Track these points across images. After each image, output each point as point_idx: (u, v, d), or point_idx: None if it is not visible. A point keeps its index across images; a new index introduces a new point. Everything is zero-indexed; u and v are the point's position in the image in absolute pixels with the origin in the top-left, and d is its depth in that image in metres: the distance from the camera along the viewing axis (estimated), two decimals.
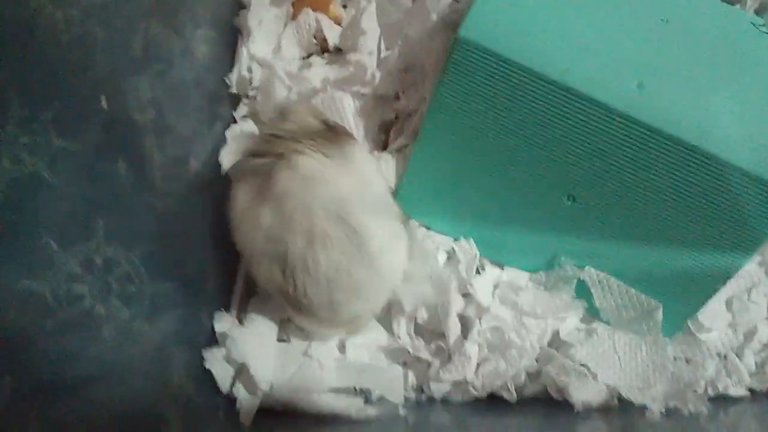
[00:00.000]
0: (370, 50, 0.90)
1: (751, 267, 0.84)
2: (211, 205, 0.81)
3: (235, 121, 0.93)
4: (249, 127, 0.92)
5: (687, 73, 0.71)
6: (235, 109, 0.94)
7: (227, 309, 0.83)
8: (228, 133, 0.90)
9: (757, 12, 0.85)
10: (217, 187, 0.84)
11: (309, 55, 0.98)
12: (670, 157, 0.68)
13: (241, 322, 0.83)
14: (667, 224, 0.73)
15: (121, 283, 0.62)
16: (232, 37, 0.96)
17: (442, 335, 0.80)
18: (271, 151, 0.71)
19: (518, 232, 0.81)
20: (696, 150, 0.67)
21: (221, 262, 0.85)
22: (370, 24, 0.91)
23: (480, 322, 0.79)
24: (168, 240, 0.72)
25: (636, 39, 0.73)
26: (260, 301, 0.85)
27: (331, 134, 0.73)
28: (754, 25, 0.80)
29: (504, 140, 0.74)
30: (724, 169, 0.67)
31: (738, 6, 0.85)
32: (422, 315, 0.81)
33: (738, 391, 0.82)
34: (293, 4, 0.97)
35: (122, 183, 0.64)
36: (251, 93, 0.94)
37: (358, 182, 0.73)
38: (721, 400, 0.81)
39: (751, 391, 0.82)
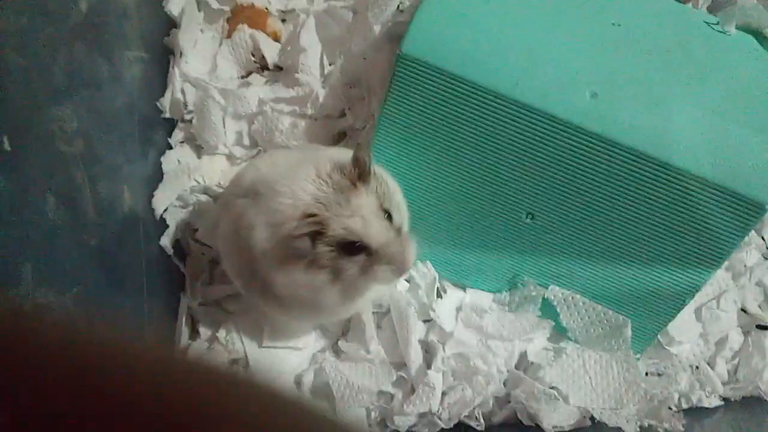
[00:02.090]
0: (312, 67, 0.93)
1: (718, 273, 0.88)
2: (146, 238, 0.81)
3: (170, 147, 0.94)
4: (185, 153, 0.94)
5: (642, 80, 0.74)
6: (170, 135, 0.96)
7: None
8: (163, 160, 0.91)
9: (710, 10, 0.90)
10: (153, 222, 0.85)
11: (248, 74, 1.00)
12: (628, 169, 0.72)
13: None
14: (630, 239, 0.77)
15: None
16: (164, 58, 0.98)
17: (404, 365, 0.82)
18: None
19: (479, 253, 0.85)
20: (654, 160, 0.70)
21: (161, 302, 0.86)
22: (310, 39, 0.94)
23: (444, 349, 0.82)
24: (104, 278, 0.73)
25: (588, 47, 0.77)
26: (203, 345, 0.86)
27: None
28: (708, 24, 0.85)
29: (456, 157, 0.77)
30: (684, 179, 0.70)
31: (690, 5, 0.90)
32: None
33: (712, 401, 0.86)
34: (228, 21, 0.99)
35: (51, 221, 0.64)
36: (186, 116, 0.96)
37: None
38: (695, 412, 0.85)
39: (725, 400, 0.87)
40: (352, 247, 0.62)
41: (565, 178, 0.75)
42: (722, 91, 0.74)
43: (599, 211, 0.76)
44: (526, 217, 0.80)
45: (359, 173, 0.63)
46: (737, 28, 0.84)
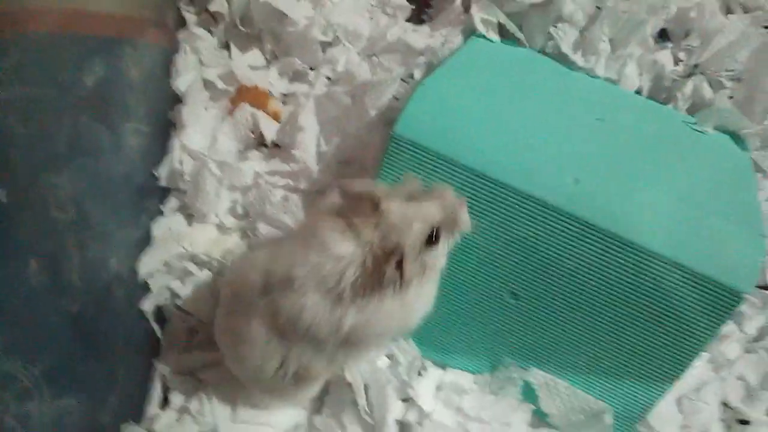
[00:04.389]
0: (308, 145, 0.94)
1: (700, 364, 0.87)
2: (128, 303, 0.80)
3: (161, 214, 0.94)
4: (176, 221, 0.93)
5: (622, 170, 0.76)
6: (162, 203, 0.95)
7: (136, 420, 0.80)
8: (153, 226, 0.91)
9: (689, 111, 0.93)
10: (136, 287, 0.84)
11: (246, 149, 1.01)
12: (602, 251, 0.71)
13: None
14: (608, 323, 0.76)
15: (18, 401, 0.60)
16: (165, 130, 0.98)
17: None
18: None
19: (461, 332, 0.83)
20: (626, 241, 0.70)
21: (136, 369, 0.83)
22: (309, 120, 0.95)
23: (421, 429, 0.78)
24: (80, 345, 0.71)
25: (572, 137, 0.79)
26: (173, 416, 0.82)
27: None
28: (686, 123, 0.88)
29: None
30: (658, 262, 0.70)
31: (671, 106, 0.93)
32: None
33: None
34: (231, 100, 1.01)
35: (32, 287, 0.63)
36: (182, 186, 0.96)
37: None
38: None
39: None
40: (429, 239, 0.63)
41: (547, 259, 0.74)
42: (697, 183, 0.76)
43: (578, 294, 0.75)
44: (510, 297, 0.78)
45: (371, 204, 0.61)
46: (714, 128, 0.86)
